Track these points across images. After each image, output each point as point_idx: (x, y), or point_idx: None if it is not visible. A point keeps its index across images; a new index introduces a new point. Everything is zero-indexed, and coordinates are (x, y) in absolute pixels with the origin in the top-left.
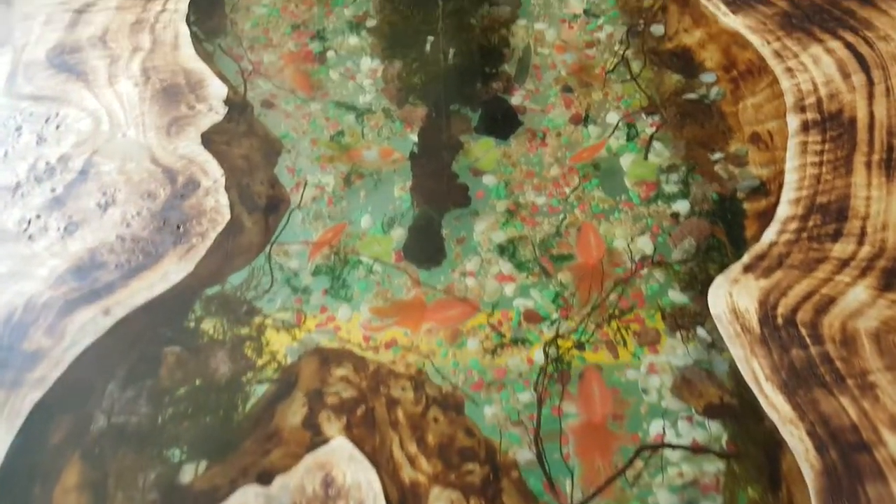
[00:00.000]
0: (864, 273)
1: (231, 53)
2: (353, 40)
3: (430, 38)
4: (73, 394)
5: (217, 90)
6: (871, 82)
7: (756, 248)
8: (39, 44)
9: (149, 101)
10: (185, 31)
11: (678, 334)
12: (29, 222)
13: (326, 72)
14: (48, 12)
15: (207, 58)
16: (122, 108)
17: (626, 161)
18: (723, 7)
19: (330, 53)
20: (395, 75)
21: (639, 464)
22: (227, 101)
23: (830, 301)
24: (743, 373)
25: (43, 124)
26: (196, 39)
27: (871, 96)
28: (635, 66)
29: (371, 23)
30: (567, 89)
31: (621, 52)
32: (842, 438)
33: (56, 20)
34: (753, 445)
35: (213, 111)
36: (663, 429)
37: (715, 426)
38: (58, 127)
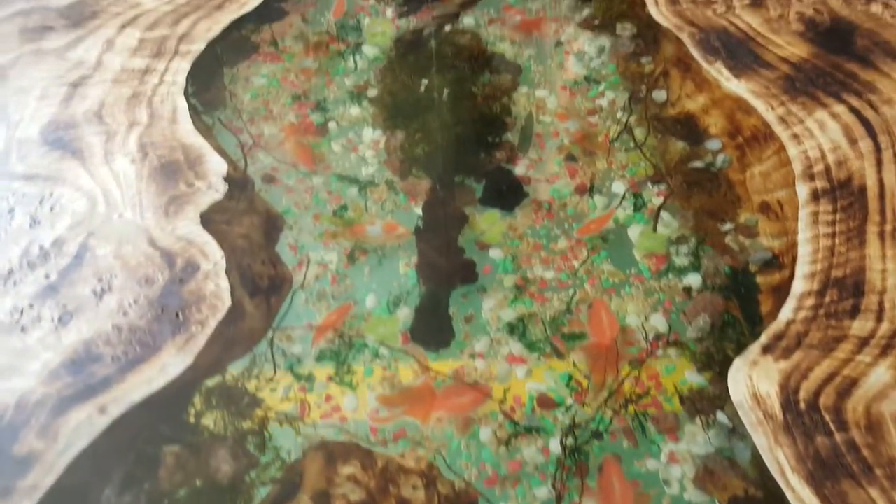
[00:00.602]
0: (884, 352)
1: (230, 126)
2: (354, 111)
3: (424, 81)
4: (67, 502)
5: (217, 166)
6: (878, 148)
7: (773, 327)
8: (34, 120)
9: (146, 179)
10: (183, 104)
11: (698, 419)
12: (21, 312)
13: (328, 144)
14: (43, 86)
15: (206, 131)
16: (118, 188)
17: (634, 232)
18: (725, 72)
19: (331, 124)
20: (398, 146)
21: None
22: (226, 178)
23: (853, 383)
24: (767, 463)
25: (37, 205)
26: (194, 112)
27: (879, 163)
28: (639, 133)
29: (372, 93)
30: (571, 158)
31: (624, 120)
32: None
33: (51, 94)
34: None
35: (212, 189)
36: None
37: None
38: (52, 208)
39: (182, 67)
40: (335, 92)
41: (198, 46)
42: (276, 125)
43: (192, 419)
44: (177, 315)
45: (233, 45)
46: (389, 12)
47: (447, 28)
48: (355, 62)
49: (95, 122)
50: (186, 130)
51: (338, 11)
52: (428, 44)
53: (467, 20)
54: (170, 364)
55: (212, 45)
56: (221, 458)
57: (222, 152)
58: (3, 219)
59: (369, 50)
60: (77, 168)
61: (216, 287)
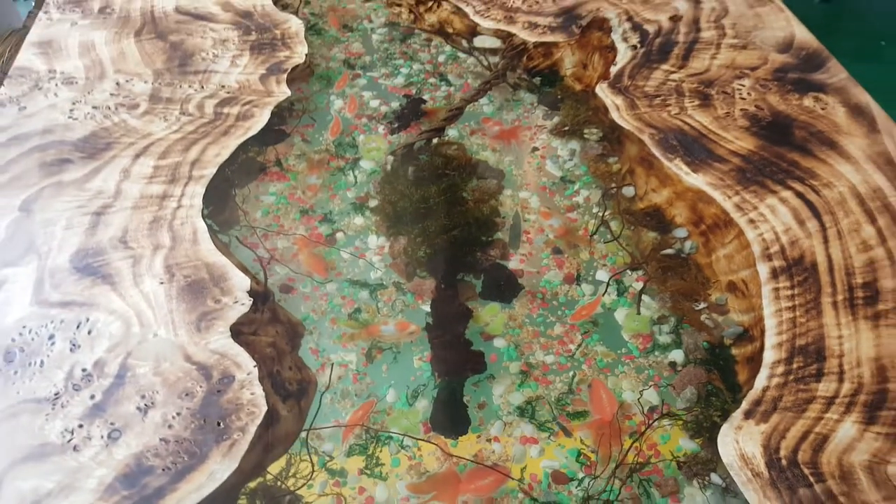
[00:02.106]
0: (848, 409)
1: (246, 243)
2: (358, 220)
3: (420, 190)
4: None
5: (240, 282)
6: (823, 227)
7: (752, 394)
8: (62, 249)
9: (175, 298)
10: (202, 225)
11: (695, 482)
12: (72, 433)
13: (338, 252)
14: (68, 216)
15: (225, 249)
16: (150, 308)
17: (620, 315)
18: (684, 167)
19: (339, 234)
20: (402, 250)
21: None
22: (250, 292)
23: (825, 439)
24: None
25: (74, 331)
26: (212, 232)
27: (825, 240)
28: (614, 225)
29: (373, 203)
30: (557, 251)
31: (600, 214)
32: None
33: (76, 224)
34: None
35: (238, 303)
36: None
37: None
38: (89, 332)
39: (197, 191)
40: (339, 204)
41: (209, 171)
42: (289, 239)
43: None
44: (218, 424)
45: (241, 167)
46: (381, 129)
47: (435, 141)
48: (355, 176)
49: (121, 248)
50: (208, 250)
51: (334, 131)
52: (419, 156)
53: (452, 132)
54: (217, 470)
55: (222, 168)
56: None
57: (242, 268)
58: (45, 345)
59: (366, 164)
60: (109, 292)
61: (252, 395)
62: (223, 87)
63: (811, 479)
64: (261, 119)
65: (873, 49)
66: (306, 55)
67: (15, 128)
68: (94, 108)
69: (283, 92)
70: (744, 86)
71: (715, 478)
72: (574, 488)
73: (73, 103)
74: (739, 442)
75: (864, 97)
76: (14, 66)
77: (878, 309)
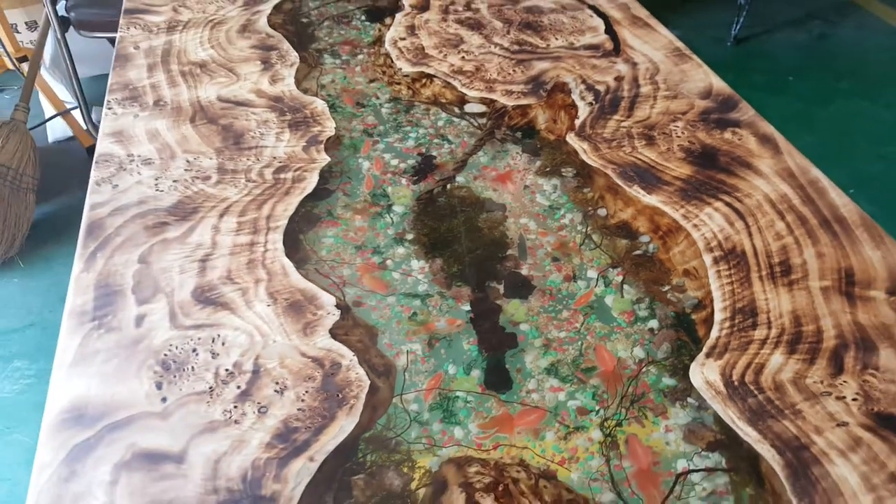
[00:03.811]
0: (776, 345)
1: (321, 273)
2: (401, 250)
3: (444, 224)
4: None
5: (328, 300)
6: (747, 225)
7: (709, 343)
8: (182, 288)
9: (282, 315)
10: (287, 262)
11: (677, 404)
12: (230, 412)
13: (390, 274)
14: (179, 264)
15: (307, 278)
16: (265, 323)
17: (609, 300)
18: (641, 191)
19: (388, 261)
20: (439, 269)
21: (678, 488)
22: (336, 305)
23: (762, 366)
24: (724, 419)
25: (211, 344)
26: (296, 267)
27: (750, 234)
28: (595, 237)
29: (409, 236)
30: (555, 259)
31: (583, 230)
32: (790, 444)
33: (188, 269)
34: (742, 461)
35: (330, 314)
36: (686, 463)
37: (715, 455)
38: (223, 343)
39: (276, 237)
40: (383, 240)
41: (282, 222)
42: (351, 268)
43: (362, 458)
44: (337, 395)
45: (304, 217)
46: (404, 181)
47: (448, 186)
48: (391, 218)
49: (229, 283)
50: (297, 279)
51: (368, 185)
52: (439, 199)
53: (460, 179)
54: (344, 425)
55: (290, 219)
56: (391, 478)
57: (325, 290)
58: (191, 356)
59: (398, 208)
60: (229, 315)
61: (356, 375)
62: (275, 157)
63: (755, 392)
64: (311, 181)
65: (782, 83)
66: (335, 129)
67: (114, 202)
68: (175, 181)
69: (323, 159)
70: (678, 127)
71: (691, 400)
72: (593, 416)
73: (156, 179)
74: (704, 373)
75: (769, 128)
76: (98, 153)
77: (791, 278)
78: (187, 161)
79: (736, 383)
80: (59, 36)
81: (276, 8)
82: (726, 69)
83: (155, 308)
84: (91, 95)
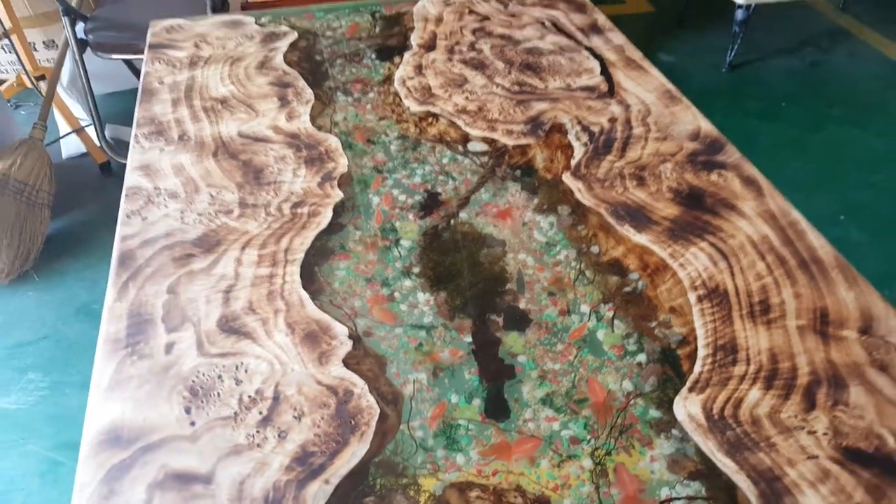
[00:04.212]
0: (754, 381)
1: (334, 304)
2: (408, 283)
3: (448, 258)
4: None
5: (341, 330)
6: (730, 265)
7: (692, 377)
8: (208, 317)
9: (299, 344)
10: (304, 294)
11: (661, 435)
12: (253, 436)
13: (398, 306)
14: (205, 295)
15: (322, 309)
16: (284, 353)
17: (600, 334)
18: (631, 230)
19: (396, 294)
20: (443, 301)
21: None
22: (349, 336)
23: (741, 400)
24: (704, 450)
25: (235, 371)
26: (311, 298)
27: (732, 274)
28: (588, 274)
29: (416, 270)
30: (551, 294)
31: (577, 267)
32: (765, 475)
33: (213, 300)
34: (720, 491)
35: (343, 345)
36: (669, 491)
37: (696, 484)
38: (246, 371)
39: (294, 270)
40: (391, 273)
41: (299, 255)
42: (362, 300)
43: (372, 481)
44: (350, 421)
45: (318, 251)
46: (411, 216)
47: (452, 222)
48: (399, 252)
49: (251, 314)
50: (312, 310)
51: (378, 220)
52: (443, 234)
53: (463, 215)
54: (357, 450)
55: (307, 253)
56: (399, 501)
57: (338, 321)
58: (217, 383)
59: (406, 243)
60: (251, 344)
61: (367, 403)
62: (292, 193)
63: (734, 425)
64: (326, 216)
65: (775, 109)
66: (347, 165)
67: (143, 233)
68: (199, 214)
69: (337, 194)
70: (667, 168)
71: (675, 431)
72: (585, 445)
73: (182, 212)
74: (687, 407)
75: (753, 171)
76: (127, 185)
77: (769, 317)
78: (211, 195)
79: (716, 417)
80: (77, 57)
81: (292, 45)
82: (721, 95)
83: (183, 336)
84: (104, 113)
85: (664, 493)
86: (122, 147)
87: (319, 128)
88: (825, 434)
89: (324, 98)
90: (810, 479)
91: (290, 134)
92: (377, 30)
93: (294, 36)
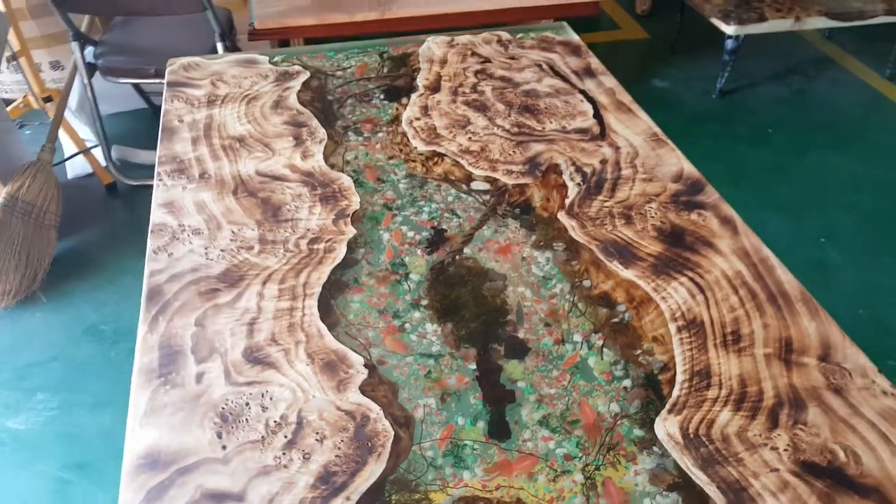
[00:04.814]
0: (725, 404)
1: (350, 335)
2: (417, 315)
3: (454, 292)
4: None
5: (357, 359)
6: (707, 299)
7: (671, 401)
8: (234, 349)
9: (319, 373)
10: (322, 325)
11: (644, 452)
12: (280, 458)
13: (408, 336)
14: (230, 327)
15: (339, 339)
16: (305, 381)
17: (591, 361)
18: (619, 266)
19: (406, 325)
20: (450, 332)
21: None
22: (364, 364)
23: (713, 421)
24: (681, 465)
25: (261, 399)
26: (329, 329)
27: (708, 307)
28: (581, 306)
29: (424, 302)
30: (547, 325)
31: (571, 300)
32: (733, 486)
33: (237, 332)
34: (694, 501)
35: (359, 373)
36: (650, 502)
37: (674, 495)
38: (271, 398)
39: (312, 303)
40: (402, 305)
41: (316, 289)
42: (375, 330)
43: (388, 497)
44: (367, 444)
45: (334, 285)
46: (419, 252)
47: (457, 257)
48: (409, 286)
49: (274, 345)
50: (331, 341)
51: (388, 255)
52: (449, 268)
53: (467, 251)
54: (374, 469)
55: (323, 287)
56: None
57: (354, 350)
58: (245, 409)
59: (415, 276)
60: (275, 374)
61: (383, 427)
62: (308, 229)
63: (707, 442)
64: (341, 251)
65: (762, 135)
66: (359, 202)
67: (170, 269)
68: (222, 251)
69: (350, 231)
70: (652, 207)
71: (656, 449)
72: (577, 462)
73: (206, 248)
74: (666, 427)
75: (729, 211)
76: (153, 223)
77: (740, 346)
78: (232, 232)
79: (691, 435)
80: (86, 81)
81: (305, 85)
82: (712, 120)
83: (211, 367)
84: (110, 133)
85: (646, 502)
86: (128, 168)
87: (332, 166)
88: (786, 450)
89: (336, 137)
90: (772, 490)
91: (305, 172)
92: (385, 70)
93: (306, 75)
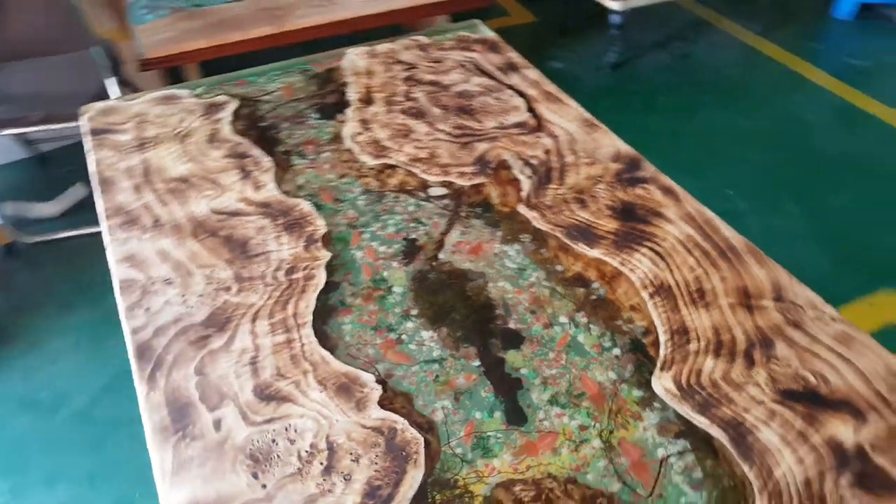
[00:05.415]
0: (706, 354)
1: (352, 355)
2: (409, 325)
3: (440, 297)
4: None
5: (368, 377)
6: (668, 265)
7: (660, 359)
8: (243, 390)
9: (335, 398)
10: (324, 351)
11: (647, 409)
12: (321, 484)
13: (408, 346)
14: (234, 370)
15: (343, 362)
16: (324, 407)
17: (581, 338)
18: (585, 247)
19: (403, 336)
20: (446, 335)
21: (663, 470)
22: (377, 381)
23: (700, 371)
24: (682, 414)
25: (285, 433)
26: (331, 354)
27: (671, 271)
28: (559, 289)
29: (414, 312)
30: (533, 312)
31: (549, 285)
32: (730, 423)
33: (241, 373)
34: (700, 442)
35: (374, 389)
36: (664, 451)
37: (682, 442)
38: (296, 430)
39: (308, 332)
40: (393, 319)
41: (308, 318)
42: (374, 348)
43: (432, 498)
44: (402, 453)
45: (323, 310)
46: (395, 264)
47: (434, 263)
48: (395, 299)
49: (282, 379)
50: (337, 364)
51: (367, 273)
52: (429, 275)
53: (442, 256)
54: (415, 475)
55: (314, 313)
56: None
57: (362, 370)
58: (273, 446)
59: (398, 289)
60: (292, 406)
61: (412, 434)
62: (282, 260)
63: (699, 390)
64: (320, 276)
65: (655, 102)
66: (325, 225)
67: (152, 323)
68: (200, 296)
69: (324, 255)
70: (600, 189)
71: (656, 405)
72: (591, 430)
73: (182, 296)
74: (662, 383)
75: (668, 181)
76: (119, 279)
77: (706, 301)
78: (205, 275)
79: (685, 386)
80: None
81: (235, 114)
82: (608, 94)
83: (226, 412)
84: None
85: (660, 453)
86: (24, 224)
87: (286, 193)
88: (766, 384)
89: (282, 163)
90: (763, 420)
91: (261, 204)
92: (313, 88)
93: (235, 104)
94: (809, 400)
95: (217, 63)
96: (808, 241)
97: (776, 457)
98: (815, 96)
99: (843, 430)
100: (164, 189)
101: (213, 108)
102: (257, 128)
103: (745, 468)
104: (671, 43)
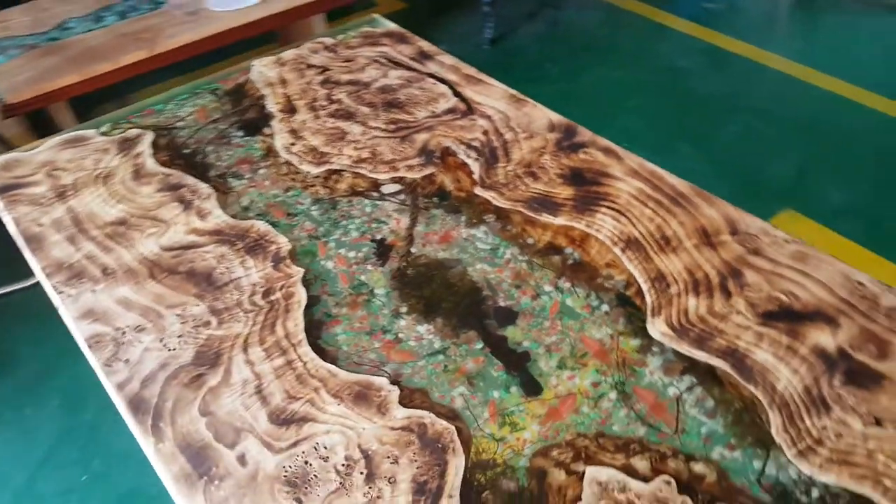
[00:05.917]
0: (687, 294)
1: (354, 361)
2: (403, 322)
3: (425, 290)
4: None
5: (381, 381)
6: (629, 219)
7: (648, 307)
8: (258, 420)
9: (355, 407)
10: (328, 366)
11: (648, 354)
12: (369, 492)
13: (407, 344)
14: (241, 403)
15: (351, 371)
16: (346, 419)
17: (570, 302)
18: (549, 217)
19: (400, 335)
20: (442, 326)
21: (679, 407)
22: (391, 382)
23: (686, 310)
24: (681, 352)
25: (316, 452)
26: (335, 366)
27: (634, 225)
28: (537, 261)
29: (403, 309)
30: (517, 286)
31: (526, 259)
32: (726, 352)
33: (252, 404)
34: (705, 374)
35: (392, 391)
36: (674, 389)
37: (688, 378)
38: (325, 447)
39: (305, 350)
40: (384, 320)
41: (300, 336)
42: (375, 352)
43: (478, 481)
44: (438, 445)
45: (310, 325)
46: (370, 267)
47: (409, 260)
48: (380, 301)
49: (295, 401)
50: (345, 375)
51: (344, 281)
52: (407, 272)
53: (414, 250)
54: (457, 464)
55: (305, 331)
56: (506, 485)
57: (372, 375)
58: (306, 468)
59: (380, 290)
60: (314, 424)
61: (442, 425)
62: (254, 284)
63: (691, 328)
64: (300, 293)
65: (539, 71)
66: (288, 241)
67: (137, 375)
68: (179, 336)
69: (297, 270)
70: (546, 160)
71: (655, 348)
72: (604, 385)
73: (161, 340)
74: (656, 328)
75: (606, 142)
76: (84, 337)
77: (672, 246)
78: (178, 315)
79: (678, 327)
80: None
81: (154, 146)
82: (492, 70)
83: (247, 445)
84: None
85: (672, 392)
86: None
87: (235, 216)
88: (747, 310)
89: (220, 187)
90: (754, 342)
91: (212, 231)
92: (228, 107)
93: (149, 135)
94: (788, 317)
95: (85, 99)
96: (708, 177)
97: (774, 373)
98: (681, 43)
99: (823, 337)
100: (101, 235)
101: (127, 144)
102: (182, 156)
103: (752, 388)
104: (541, 12)
